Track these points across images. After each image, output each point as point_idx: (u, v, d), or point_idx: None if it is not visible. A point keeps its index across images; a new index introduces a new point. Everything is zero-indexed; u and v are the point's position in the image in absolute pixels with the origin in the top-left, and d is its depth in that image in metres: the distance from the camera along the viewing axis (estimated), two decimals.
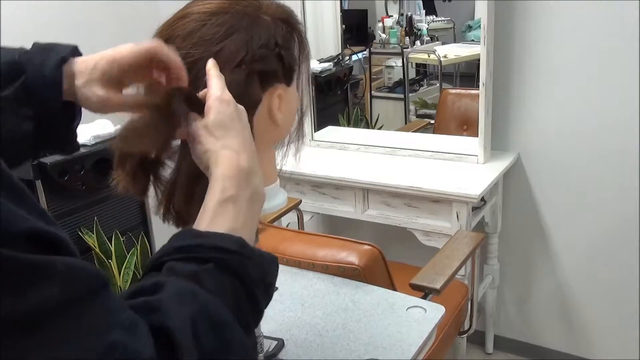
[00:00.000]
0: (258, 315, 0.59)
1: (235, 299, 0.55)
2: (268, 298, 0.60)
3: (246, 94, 0.71)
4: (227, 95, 0.65)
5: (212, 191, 0.61)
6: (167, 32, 0.73)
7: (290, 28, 0.78)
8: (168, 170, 0.75)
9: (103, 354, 0.44)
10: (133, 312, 0.48)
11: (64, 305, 0.43)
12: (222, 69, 0.69)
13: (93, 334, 0.44)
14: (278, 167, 0.88)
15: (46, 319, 0.41)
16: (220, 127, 0.63)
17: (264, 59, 0.73)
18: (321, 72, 2.54)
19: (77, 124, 0.71)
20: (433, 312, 1.18)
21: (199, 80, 0.69)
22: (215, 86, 0.65)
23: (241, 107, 0.67)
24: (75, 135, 0.72)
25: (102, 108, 0.68)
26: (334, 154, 2.36)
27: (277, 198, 0.83)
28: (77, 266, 0.45)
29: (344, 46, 2.63)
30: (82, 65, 0.67)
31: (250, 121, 0.71)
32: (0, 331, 0.39)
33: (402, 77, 2.67)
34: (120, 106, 0.68)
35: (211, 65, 0.68)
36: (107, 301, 0.46)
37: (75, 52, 0.69)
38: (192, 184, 0.70)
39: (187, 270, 0.54)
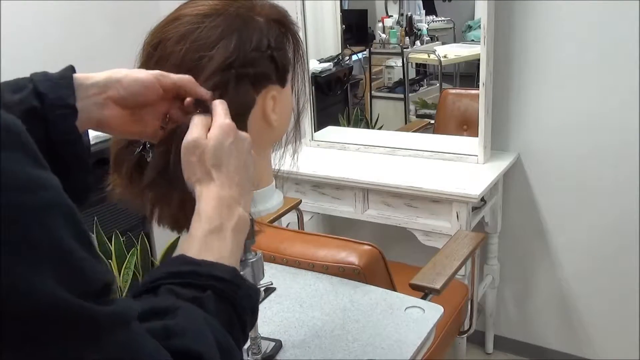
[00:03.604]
0: (245, 340, 0.62)
1: (230, 325, 0.58)
2: (253, 324, 0.63)
3: (238, 97, 0.70)
4: (228, 124, 0.65)
5: (198, 220, 0.62)
6: (160, 35, 0.72)
7: (284, 29, 0.77)
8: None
9: None
10: (151, 338, 0.50)
11: (125, 345, 0.46)
12: (213, 73, 0.69)
13: None
14: (276, 168, 0.88)
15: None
16: (212, 158, 0.64)
17: (255, 62, 0.72)
18: (321, 72, 2.54)
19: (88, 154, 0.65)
20: (431, 312, 1.18)
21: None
22: (220, 113, 0.66)
23: (243, 135, 0.67)
24: (89, 169, 0.65)
25: (115, 127, 0.67)
26: (334, 154, 2.36)
27: (272, 199, 0.83)
28: (130, 305, 0.49)
29: (344, 46, 2.63)
30: (89, 79, 0.65)
31: (245, 124, 0.71)
32: None
33: (402, 77, 2.67)
34: (137, 132, 0.69)
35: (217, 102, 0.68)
36: (140, 331, 0.49)
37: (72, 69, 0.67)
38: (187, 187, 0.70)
39: (189, 295, 0.56)
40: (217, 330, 0.55)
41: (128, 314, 0.47)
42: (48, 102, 0.60)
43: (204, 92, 0.68)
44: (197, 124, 0.65)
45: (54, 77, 0.63)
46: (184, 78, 0.67)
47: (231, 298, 0.58)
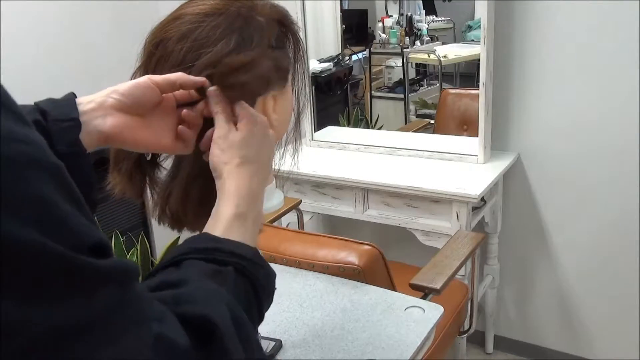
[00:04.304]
0: (261, 319, 0.63)
1: (247, 302, 0.59)
2: (269, 305, 0.64)
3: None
4: (261, 116, 0.69)
5: (226, 203, 0.64)
6: (161, 34, 0.73)
7: (284, 29, 0.78)
8: (163, 171, 0.75)
9: (153, 346, 0.45)
10: (159, 302, 0.50)
11: (121, 302, 0.44)
12: (209, 64, 0.69)
13: (141, 326, 0.45)
14: (276, 168, 0.88)
15: (107, 318, 0.42)
16: (245, 146, 0.66)
17: None
18: (321, 72, 2.54)
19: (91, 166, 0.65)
20: (432, 312, 1.18)
21: None
22: (244, 105, 0.69)
23: (270, 132, 0.70)
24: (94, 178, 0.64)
25: (125, 137, 0.67)
26: (334, 154, 2.36)
27: (273, 199, 0.83)
28: (129, 264, 0.46)
29: (344, 46, 2.63)
30: (87, 99, 0.66)
31: None
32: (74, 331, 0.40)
33: (402, 77, 2.67)
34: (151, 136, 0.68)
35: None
36: (141, 293, 0.48)
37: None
38: (189, 185, 0.70)
39: (209, 269, 0.57)
40: (231, 302, 0.55)
41: (120, 271, 0.44)
42: (51, 117, 0.61)
43: (197, 79, 0.68)
44: (222, 119, 0.67)
45: (56, 99, 0.65)
46: (175, 74, 0.68)
47: (252, 276, 0.59)
